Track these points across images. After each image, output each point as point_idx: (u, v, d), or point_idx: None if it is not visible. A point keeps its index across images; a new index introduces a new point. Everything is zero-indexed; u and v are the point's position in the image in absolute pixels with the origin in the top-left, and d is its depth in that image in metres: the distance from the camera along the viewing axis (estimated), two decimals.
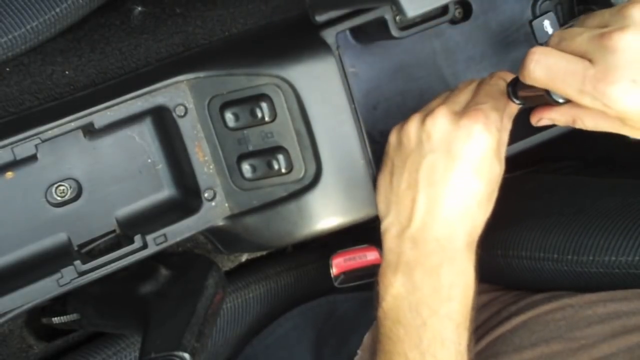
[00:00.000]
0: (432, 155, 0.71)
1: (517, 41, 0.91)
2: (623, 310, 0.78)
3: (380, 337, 0.74)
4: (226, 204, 0.79)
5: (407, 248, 0.73)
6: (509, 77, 0.73)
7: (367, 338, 0.92)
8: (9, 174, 0.74)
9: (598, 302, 0.80)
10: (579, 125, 0.66)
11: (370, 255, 0.98)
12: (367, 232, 0.92)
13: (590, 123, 0.65)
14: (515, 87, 0.71)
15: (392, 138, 0.76)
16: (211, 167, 0.78)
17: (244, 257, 1.11)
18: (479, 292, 0.82)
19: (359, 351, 0.91)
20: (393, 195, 0.75)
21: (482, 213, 0.73)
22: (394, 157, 0.76)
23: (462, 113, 0.71)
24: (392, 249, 0.74)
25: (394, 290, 0.73)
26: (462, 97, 0.75)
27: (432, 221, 0.72)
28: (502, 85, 0.73)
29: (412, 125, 0.73)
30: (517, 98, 0.71)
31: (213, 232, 0.81)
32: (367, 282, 0.97)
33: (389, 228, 0.75)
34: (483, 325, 0.86)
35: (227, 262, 1.10)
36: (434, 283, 0.71)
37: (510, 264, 0.89)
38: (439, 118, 0.71)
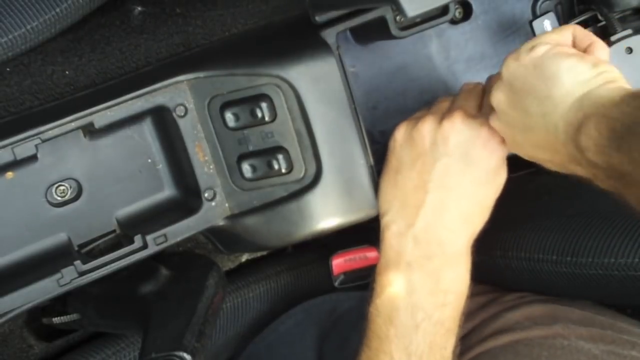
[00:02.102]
0: (447, 159, 0.71)
1: (517, 41, 0.91)
2: (609, 356, 0.75)
3: (368, 332, 0.74)
4: (226, 204, 0.79)
5: (409, 247, 0.72)
6: None
7: None
8: (9, 174, 0.74)
9: (588, 339, 0.78)
10: None
11: (370, 255, 0.99)
12: (367, 232, 0.92)
13: None
14: None
15: (400, 135, 0.75)
16: (211, 167, 0.78)
17: (244, 257, 1.11)
18: (478, 293, 0.82)
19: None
20: (398, 192, 0.74)
21: (483, 219, 0.73)
22: (400, 155, 0.75)
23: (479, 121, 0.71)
24: (393, 246, 0.74)
25: (392, 290, 0.73)
26: (473, 102, 0.74)
27: (437, 223, 0.72)
28: None
29: (427, 126, 0.72)
30: None
31: (213, 232, 0.81)
32: (368, 282, 0.97)
33: (390, 225, 0.75)
34: (477, 329, 0.85)
35: (227, 262, 1.10)
36: (432, 287, 0.71)
37: (509, 265, 0.89)
38: (457, 122, 0.71)
